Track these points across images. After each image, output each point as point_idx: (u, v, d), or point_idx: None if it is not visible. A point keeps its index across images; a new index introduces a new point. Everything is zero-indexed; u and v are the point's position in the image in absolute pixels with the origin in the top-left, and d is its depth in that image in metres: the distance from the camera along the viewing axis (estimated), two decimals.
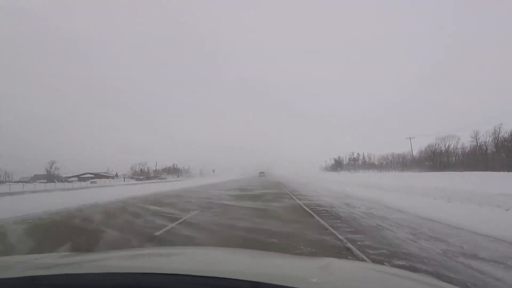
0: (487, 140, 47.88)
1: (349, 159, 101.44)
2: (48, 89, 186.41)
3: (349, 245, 4.45)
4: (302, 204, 10.14)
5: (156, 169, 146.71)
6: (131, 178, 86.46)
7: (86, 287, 0.91)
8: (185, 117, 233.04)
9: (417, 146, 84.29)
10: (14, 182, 64.28)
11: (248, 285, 0.86)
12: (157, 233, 5.62)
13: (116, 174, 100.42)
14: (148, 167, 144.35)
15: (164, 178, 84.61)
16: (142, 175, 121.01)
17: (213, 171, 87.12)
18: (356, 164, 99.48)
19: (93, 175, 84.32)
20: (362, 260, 3.72)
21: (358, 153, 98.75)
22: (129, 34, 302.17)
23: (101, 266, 1.23)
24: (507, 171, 30.26)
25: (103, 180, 63.78)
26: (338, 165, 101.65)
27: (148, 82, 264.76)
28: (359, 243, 4.57)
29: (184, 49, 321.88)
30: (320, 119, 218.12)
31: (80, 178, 78.92)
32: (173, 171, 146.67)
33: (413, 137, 49.03)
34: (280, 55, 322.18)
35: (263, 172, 73.86)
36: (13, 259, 1.51)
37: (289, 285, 0.84)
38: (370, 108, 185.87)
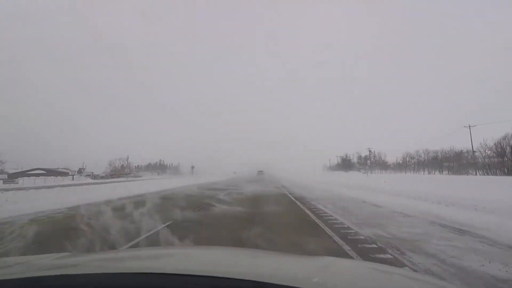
0: None
1: (359, 157, 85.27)
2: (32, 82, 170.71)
3: None
4: None
5: (138, 166, 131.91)
6: (88, 175, 69.62)
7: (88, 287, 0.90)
8: (179, 113, 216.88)
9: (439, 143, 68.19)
10: None
11: (250, 285, 0.84)
12: None
13: (81, 169, 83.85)
14: (129, 163, 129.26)
15: (139, 176, 68.68)
16: (123, 171, 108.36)
17: (193, 167, 71.57)
18: (370, 163, 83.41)
19: (44, 171, 68.25)
20: None
21: (370, 150, 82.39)
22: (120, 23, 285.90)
23: (101, 267, 1.20)
24: None
25: (42, 178, 47.71)
26: (347, 164, 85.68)
27: (142, 78, 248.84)
28: None
29: (181, 47, 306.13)
30: (320, 115, 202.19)
31: (25, 174, 62.80)
32: (159, 167, 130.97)
33: (474, 125, 32.14)
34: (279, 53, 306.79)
35: (262, 171, 70.83)
36: (13, 260, 1.43)
37: (291, 284, 0.84)
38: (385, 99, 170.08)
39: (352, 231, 6.00)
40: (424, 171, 56.77)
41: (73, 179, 53.35)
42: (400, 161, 71.45)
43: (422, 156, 58.23)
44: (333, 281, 1.02)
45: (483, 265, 3.69)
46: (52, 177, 53.44)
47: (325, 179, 36.15)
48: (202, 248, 2.57)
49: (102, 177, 63.84)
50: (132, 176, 68.51)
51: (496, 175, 30.66)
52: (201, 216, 8.29)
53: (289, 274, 1.15)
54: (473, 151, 33.22)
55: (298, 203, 11.48)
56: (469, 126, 32.71)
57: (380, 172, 69.99)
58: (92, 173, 74.47)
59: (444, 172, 46.00)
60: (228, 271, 1.10)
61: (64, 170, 76.48)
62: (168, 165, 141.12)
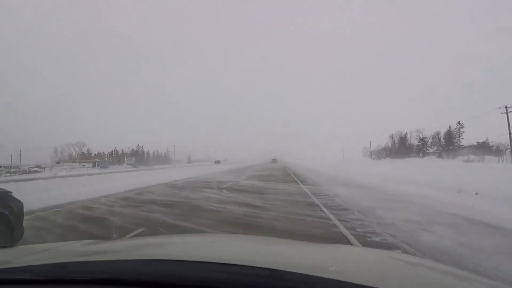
0: None
1: (434, 136, 52.96)
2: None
3: None
4: None
5: (98, 153, 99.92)
6: None
7: (112, 274, 0.90)
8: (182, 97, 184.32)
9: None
10: None
11: (265, 272, 0.83)
12: None
13: None
14: (88, 149, 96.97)
15: (38, 171, 35.91)
16: (83, 159, 79.84)
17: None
18: (437, 144, 50.94)
19: None
20: None
21: (450, 126, 50.21)
22: None
23: (124, 254, 1.24)
24: None
25: None
26: (415, 148, 53.23)
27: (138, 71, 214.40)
28: None
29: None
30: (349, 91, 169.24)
31: None
32: (130, 156, 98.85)
33: None
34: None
35: (275, 159, 68.24)
36: (40, 247, 1.41)
37: (308, 273, 0.82)
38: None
39: None
40: None
41: None
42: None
43: None
44: (350, 270, 0.99)
45: None
46: None
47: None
48: (217, 236, 2.83)
49: None
50: (30, 171, 36.38)
51: None
52: None
53: (306, 262, 1.12)
54: None
55: None
56: None
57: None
58: None
59: None
60: (244, 259, 1.10)
61: None
62: (149, 154, 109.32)
